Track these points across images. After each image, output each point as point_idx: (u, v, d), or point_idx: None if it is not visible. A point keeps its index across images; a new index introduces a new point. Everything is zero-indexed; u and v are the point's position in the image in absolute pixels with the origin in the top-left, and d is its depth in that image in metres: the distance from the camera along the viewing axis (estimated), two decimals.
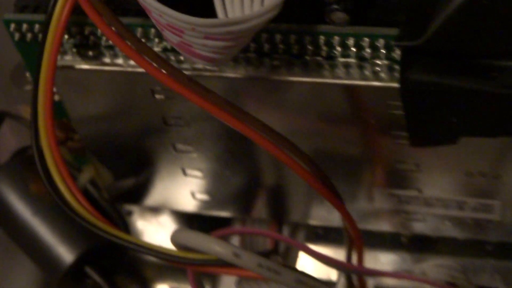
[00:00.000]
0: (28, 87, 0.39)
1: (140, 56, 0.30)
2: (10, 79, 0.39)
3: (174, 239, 0.33)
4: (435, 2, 0.30)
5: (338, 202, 0.34)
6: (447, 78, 0.30)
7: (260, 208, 0.42)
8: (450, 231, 0.39)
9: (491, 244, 0.41)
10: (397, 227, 0.40)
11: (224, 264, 0.32)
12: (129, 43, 0.30)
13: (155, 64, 0.30)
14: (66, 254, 0.40)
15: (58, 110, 0.36)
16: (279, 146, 0.31)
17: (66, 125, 0.40)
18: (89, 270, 0.40)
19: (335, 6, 0.32)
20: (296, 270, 0.32)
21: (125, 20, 0.33)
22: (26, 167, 0.42)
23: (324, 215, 0.41)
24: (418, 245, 0.43)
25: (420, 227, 0.39)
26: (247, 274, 0.31)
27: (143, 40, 0.34)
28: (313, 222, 0.42)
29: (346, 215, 0.35)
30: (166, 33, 0.30)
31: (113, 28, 0.30)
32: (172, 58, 0.35)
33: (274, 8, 0.29)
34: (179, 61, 0.34)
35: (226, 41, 0.29)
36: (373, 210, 0.39)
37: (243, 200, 0.42)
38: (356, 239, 0.37)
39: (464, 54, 0.30)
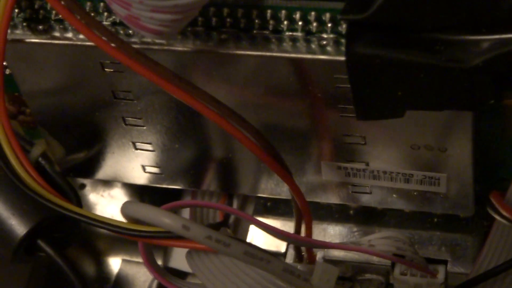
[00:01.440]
0: None
1: (89, 30, 0.29)
2: None
3: (124, 211, 0.33)
4: None
5: (286, 174, 0.33)
6: (392, 52, 0.29)
7: (210, 181, 0.41)
8: (397, 203, 0.39)
9: (438, 216, 0.41)
10: (345, 199, 0.40)
11: (174, 237, 0.32)
12: (78, 17, 0.29)
13: (104, 38, 0.29)
14: (18, 227, 0.39)
15: (9, 84, 0.35)
16: (227, 119, 0.30)
17: (18, 98, 0.40)
18: (41, 243, 0.39)
19: None
20: (245, 242, 0.32)
21: None
22: None
23: (273, 187, 0.41)
24: (365, 217, 0.43)
25: (367, 199, 0.39)
26: (196, 246, 0.31)
27: (92, 14, 0.34)
28: (262, 194, 0.42)
29: (294, 187, 0.34)
30: (114, 6, 0.29)
31: (62, 2, 0.29)
32: (121, 32, 0.34)
33: None
34: (128, 35, 0.34)
35: (173, 14, 0.29)
36: (321, 182, 0.39)
37: (193, 173, 0.41)
38: (304, 211, 0.37)
39: (409, 28, 0.29)
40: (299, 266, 0.38)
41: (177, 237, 0.32)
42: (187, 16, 0.30)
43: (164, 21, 0.29)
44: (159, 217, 0.31)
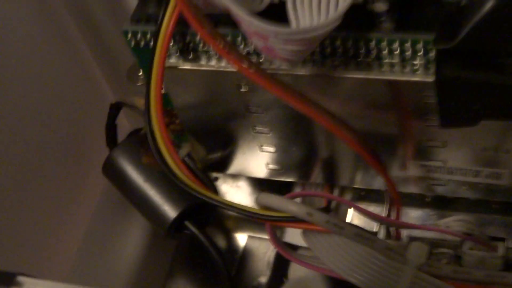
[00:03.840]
0: (140, 83, 0.40)
1: (233, 57, 0.29)
2: (126, 77, 0.39)
3: (259, 200, 0.34)
4: (462, 12, 0.29)
5: (382, 168, 0.33)
6: (473, 74, 0.29)
7: (317, 175, 0.42)
8: (466, 193, 0.38)
9: (497, 203, 0.41)
10: (424, 190, 0.39)
11: (298, 220, 0.32)
12: (222, 45, 0.29)
13: (244, 64, 0.29)
14: (170, 211, 0.41)
15: (164, 100, 0.36)
16: (336, 125, 0.31)
17: (170, 112, 0.41)
18: (187, 223, 0.41)
19: (384, 17, 0.31)
20: (356, 226, 0.32)
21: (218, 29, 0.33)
22: (139, 143, 0.42)
23: (367, 180, 0.41)
24: (439, 204, 0.42)
25: (442, 190, 0.39)
26: (317, 228, 0.32)
27: None
28: (358, 186, 0.42)
29: (388, 179, 0.35)
30: (254, 39, 0.29)
31: (209, 33, 0.29)
32: (254, 59, 0.34)
33: (337, 19, 0.29)
34: (259, 63, 0.34)
35: (301, 45, 0.29)
36: (406, 176, 0.38)
37: (304, 168, 0.41)
38: (396, 198, 0.38)
39: (487, 54, 0.29)
40: (391, 243, 0.35)
41: (300, 221, 0.32)
42: (310, 47, 0.31)
43: (294, 51, 0.29)
44: (288, 206, 0.32)
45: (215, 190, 0.40)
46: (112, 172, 0.42)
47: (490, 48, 0.29)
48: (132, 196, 0.42)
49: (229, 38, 0.34)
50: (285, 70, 0.33)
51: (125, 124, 0.46)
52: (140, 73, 0.40)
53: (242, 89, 0.35)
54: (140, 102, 0.40)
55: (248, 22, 0.28)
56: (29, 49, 0.40)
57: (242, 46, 0.34)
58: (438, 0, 0.31)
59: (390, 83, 0.32)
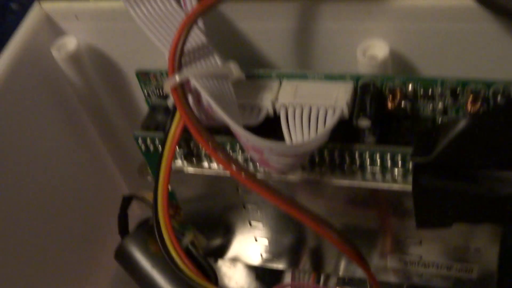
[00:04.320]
0: (150, 178, 0.38)
1: (230, 165, 0.28)
2: (137, 172, 0.38)
3: None
4: (437, 130, 0.28)
5: (363, 263, 0.31)
6: (447, 183, 0.28)
7: (305, 263, 0.40)
8: (438, 283, 0.36)
9: None
10: (400, 279, 0.38)
11: None
12: (221, 156, 0.28)
13: (237, 171, 0.28)
14: None
15: (169, 195, 0.34)
16: (322, 227, 0.29)
17: (175, 205, 0.39)
18: None
19: (366, 132, 0.31)
20: None
21: (218, 138, 0.32)
22: (147, 233, 0.40)
23: (350, 269, 0.39)
24: None
25: (417, 280, 0.37)
26: None
27: (230, 151, 0.33)
28: (341, 274, 0.40)
29: (368, 272, 0.33)
30: (250, 152, 0.28)
31: (210, 145, 0.28)
32: (251, 165, 0.33)
33: (325, 135, 0.29)
34: (255, 168, 0.33)
35: (293, 158, 0.28)
36: (385, 267, 0.37)
37: (293, 258, 0.40)
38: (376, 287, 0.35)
39: (459, 167, 0.28)
40: None
41: None
42: (301, 160, 0.30)
43: (287, 163, 0.28)
44: None
45: (216, 277, 0.38)
46: (123, 258, 0.41)
47: (463, 162, 0.28)
48: (141, 281, 0.40)
49: (228, 146, 0.33)
50: (278, 176, 0.32)
51: (137, 212, 0.44)
52: (149, 171, 0.39)
53: (239, 191, 0.34)
54: (149, 196, 0.39)
55: (246, 137, 0.28)
56: (53, 147, 0.39)
57: (240, 154, 0.33)
58: (414, 116, 0.31)
59: (372, 189, 0.31)
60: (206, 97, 0.28)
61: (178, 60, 0.28)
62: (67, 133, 0.40)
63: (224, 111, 0.28)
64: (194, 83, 0.28)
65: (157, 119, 0.35)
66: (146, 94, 0.35)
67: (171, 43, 0.29)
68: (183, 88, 0.29)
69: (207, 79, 0.29)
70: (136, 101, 0.39)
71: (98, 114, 0.40)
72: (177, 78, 0.28)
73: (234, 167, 0.28)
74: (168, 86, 0.28)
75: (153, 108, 0.36)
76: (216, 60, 0.30)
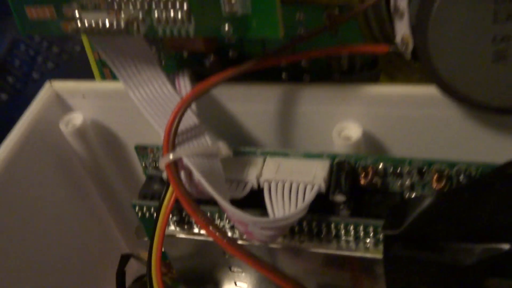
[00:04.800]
0: (146, 239, 0.35)
1: (214, 234, 0.26)
2: (135, 234, 0.36)
3: None
4: (406, 204, 0.27)
5: None
6: (416, 254, 0.27)
7: None
8: None
9: None
10: None
11: None
12: (203, 221, 0.27)
13: (221, 237, 0.26)
14: None
15: (162, 255, 0.32)
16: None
17: (167, 264, 0.38)
18: None
19: (342, 206, 0.29)
20: None
21: (208, 207, 0.31)
22: None
23: None
24: None
25: None
26: None
27: (219, 220, 0.32)
28: None
29: None
30: (236, 224, 0.27)
31: (198, 216, 0.27)
32: (237, 232, 0.31)
33: (304, 209, 0.28)
34: (241, 235, 0.31)
35: (275, 230, 0.26)
36: None
37: None
38: None
39: (426, 239, 0.27)
40: None
41: None
42: (283, 231, 0.29)
43: (269, 235, 0.27)
44: None
45: None
46: None
47: (429, 234, 0.27)
48: None
49: (217, 215, 0.32)
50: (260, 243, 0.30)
51: (135, 268, 0.42)
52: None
53: (226, 255, 0.32)
54: (145, 255, 0.37)
55: (232, 212, 0.26)
56: (60, 209, 0.38)
57: (227, 222, 0.32)
58: (384, 191, 0.30)
59: (346, 257, 0.29)
60: (196, 174, 0.27)
61: (172, 140, 0.27)
62: (73, 197, 0.38)
63: (212, 188, 0.26)
64: (186, 161, 0.27)
65: (153, 188, 0.34)
66: (144, 165, 0.34)
67: (166, 124, 0.28)
68: (176, 165, 0.27)
69: (198, 157, 0.28)
70: (135, 170, 0.38)
71: (101, 181, 0.39)
72: (171, 157, 0.27)
73: (217, 234, 0.27)
74: (162, 164, 0.27)
75: (149, 178, 0.34)
76: (206, 140, 0.29)
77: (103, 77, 0.38)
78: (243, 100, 0.32)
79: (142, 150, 0.33)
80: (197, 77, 0.33)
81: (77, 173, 0.38)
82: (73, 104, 0.36)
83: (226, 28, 0.24)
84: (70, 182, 0.38)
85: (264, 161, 0.30)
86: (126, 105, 0.33)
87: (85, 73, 0.37)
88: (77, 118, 0.36)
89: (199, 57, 0.33)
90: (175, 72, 0.32)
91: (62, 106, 0.36)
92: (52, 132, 0.36)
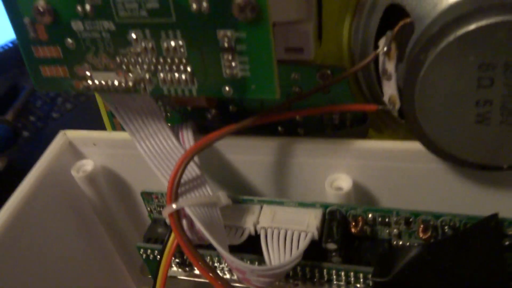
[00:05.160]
0: (149, 276, 0.34)
1: (215, 281, 0.25)
2: (140, 271, 0.34)
3: None
4: (394, 254, 0.26)
5: None
6: None
7: None
8: None
9: None
10: None
11: None
12: (202, 265, 0.25)
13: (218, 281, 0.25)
14: None
15: None
16: None
17: None
18: None
19: (334, 253, 0.28)
20: None
21: (209, 252, 0.30)
22: None
23: None
24: None
25: None
26: None
27: (218, 263, 0.30)
28: None
29: None
30: (234, 271, 0.25)
31: (198, 261, 0.25)
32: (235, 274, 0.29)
33: (299, 256, 0.27)
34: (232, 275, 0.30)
35: (271, 278, 0.25)
36: None
37: None
38: None
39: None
40: None
41: None
42: (279, 278, 0.28)
43: (266, 281, 0.25)
44: None
45: None
46: None
47: (416, 283, 0.26)
48: None
49: (216, 259, 0.30)
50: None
51: None
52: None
53: None
54: None
55: (230, 260, 0.25)
56: (71, 248, 0.36)
57: (225, 265, 0.30)
58: (373, 238, 0.28)
59: None
60: (197, 224, 0.26)
61: (175, 191, 0.26)
62: (83, 237, 0.37)
63: (212, 237, 0.25)
64: (187, 211, 0.26)
65: (157, 231, 0.32)
66: (149, 210, 0.33)
67: (170, 175, 0.27)
68: (178, 214, 0.26)
69: (199, 207, 0.26)
70: (141, 214, 0.37)
71: (110, 223, 0.37)
72: (174, 206, 0.26)
73: (218, 282, 0.25)
74: (166, 213, 0.26)
75: (154, 221, 0.33)
76: (207, 190, 0.28)
77: (113, 126, 0.37)
78: (241, 151, 0.31)
79: (147, 196, 0.32)
80: (199, 129, 0.32)
81: (88, 215, 0.36)
82: (85, 152, 0.35)
83: (227, 89, 0.23)
84: (81, 223, 0.36)
85: (261, 209, 0.29)
86: (134, 153, 0.31)
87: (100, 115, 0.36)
88: (88, 165, 0.34)
89: (201, 111, 0.32)
90: (179, 124, 0.31)
91: (74, 153, 0.35)
92: (65, 177, 0.34)
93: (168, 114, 0.34)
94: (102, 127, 0.38)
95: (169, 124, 0.30)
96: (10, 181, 0.56)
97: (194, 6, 0.21)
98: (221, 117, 0.32)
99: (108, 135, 0.34)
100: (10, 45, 0.72)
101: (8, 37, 0.71)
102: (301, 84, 0.29)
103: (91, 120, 0.38)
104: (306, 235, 0.27)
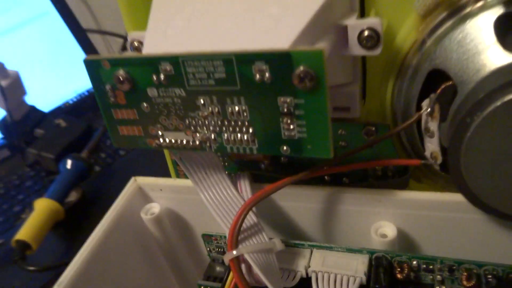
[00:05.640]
0: None
1: None
2: None
3: None
4: None
5: None
6: None
7: None
8: None
9: None
10: None
11: None
12: None
13: None
14: None
15: None
16: None
17: None
18: None
19: None
20: None
21: None
22: None
23: None
24: None
25: None
26: None
27: None
28: None
29: None
30: None
31: None
32: None
33: None
34: None
35: None
36: None
37: None
38: None
39: None
40: None
41: None
42: None
43: None
44: None
45: None
46: None
47: None
48: None
49: None
50: None
51: None
52: None
53: None
54: None
55: None
56: (139, 281, 0.35)
57: None
58: (417, 283, 0.26)
59: None
60: (255, 269, 0.24)
61: (236, 238, 0.25)
62: (149, 272, 0.36)
63: (269, 281, 0.24)
64: (246, 257, 0.24)
65: (216, 270, 0.31)
66: (208, 250, 0.31)
67: (230, 222, 0.25)
68: (238, 260, 0.25)
69: (257, 253, 0.25)
70: (201, 253, 0.35)
71: (173, 260, 0.36)
72: (234, 253, 0.24)
73: None
74: (227, 259, 0.25)
75: (213, 260, 0.32)
76: (264, 236, 0.26)
77: (177, 173, 0.36)
78: (293, 199, 0.29)
79: (207, 238, 0.31)
80: (254, 178, 0.31)
81: (154, 252, 0.35)
82: (152, 196, 0.34)
83: (285, 149, 0.22)
84: (148, 259, 0.35)
85: (311, 253, 0.27)
86: (195, 198, 0.30)
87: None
88: (155, 208, 0.33)
89: (256, 162, 0.31)
90: (237, 174, 0.29)
91: (143, 197, 0.34)
92: (135, 218, 0.33)
93: (226, 163, 0.33)
94: (160, 164, 0.37)
95: (227, 173, 0.28)
96: (84, 209, 0.57)
97: (258, 76, 0.20)
98: (274, 167, 0.31)
99: (172, 182, 0.33)
100: (86, 93, 0.74)
101: (84, 86, 0.73)
102: (347, 139, 0.28)
103: (152, 156, 0.36)
104: (355, 280, 0.25)
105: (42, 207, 0.49)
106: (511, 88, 0.19)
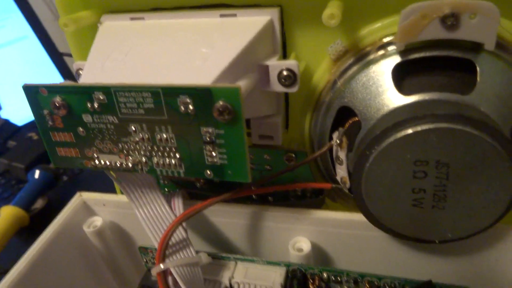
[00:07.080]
0: None
1: None
2: None
3: None
4: None
5: None
6: None
7: None
8: None
9: None
10: None
11: None
12: None
13: None
14: None
15: None
16: None
17: None
18: None
19: None
20: None
21: None
22: None
23: None
24: None
25: None
26: None
27: None
28: None
29: None
30: None
31: None
32: None
33: None
34: None
35: None
36: None
37: None
38: None
39: None
40: None
41: None
42: None
43: None
44: None
45: None
46: None
47: None
48: None
49: None
50: None
51: None
52: None
53: None
54: None
55: None
56: (76, 283, 0.32)
57: None
58: None
59: None
60: (180, 283, 0.23)
61: (163, 253, 0.23)
62: (91, 281, 0.34)
63: None
64: (173, 271, 0.23)
65: (151, 279, 0.29)
66: (145, 261, 0.30)
67: (160, 237, 0.24)
68: (165, 273, 0.23)
69: (183, 267, 0.23)
70: (140, 264, 0.33)
71: (115, 270, 0.34)
72: (162, 266, 0.23)
73: None
74: (154, 272, 0.23)
75: (148, 270, 0.30)
76: (191, 251, 0.25)
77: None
78: (223, 215, 0.28)
79: (143, 250, 0.29)
80: (190, 195, 0.30)
81: (97, 263, 0.33)
82: (95, 210, 0.32)
83: (208, 173, 0.21)
84: (91, 270, 0.33)
85: (236, 265, 0.26)
86: (135, 213, 0.29)
87: None
88: (97, 221, 0.31)
89: (192, 181, 0.30)
90: (172, 192, 0.28)
91: (87, 211, 0.32)
92: (77, 231, 0.31)
93: (166, 182, 0.31)
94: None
95: (164, 191, 0.27)
96: (48, 216, 0.53)
97: (183, 108, 0.19)
98: (208, 186, 0.30)
99: (115, 197, 0.31)
100: None
101: None
102: (271, 163, 0.27)
103: None
104: None
105: (7, 214, 0.47)
106: (402, 127, 0.19)
